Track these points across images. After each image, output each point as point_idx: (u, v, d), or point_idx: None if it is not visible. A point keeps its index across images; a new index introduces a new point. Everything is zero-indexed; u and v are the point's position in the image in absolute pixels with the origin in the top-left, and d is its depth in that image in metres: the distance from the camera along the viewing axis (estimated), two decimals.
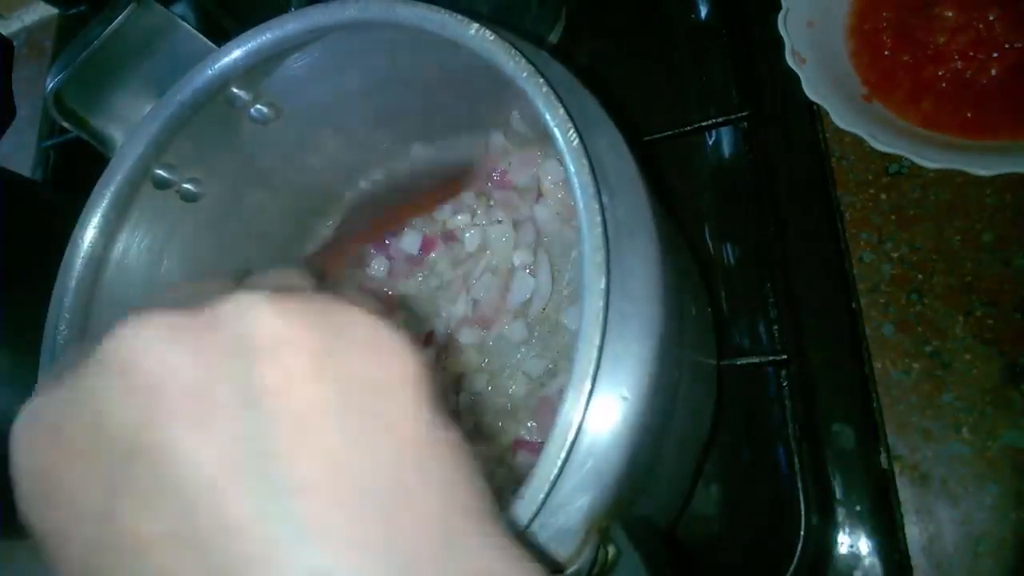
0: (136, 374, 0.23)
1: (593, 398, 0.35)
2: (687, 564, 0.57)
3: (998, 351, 0.53)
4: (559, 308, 0.58)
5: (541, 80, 0.40)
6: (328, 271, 0.60)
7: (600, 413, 0.36)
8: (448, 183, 0.62)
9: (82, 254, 0.51)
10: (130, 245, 0.54)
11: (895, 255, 0.57)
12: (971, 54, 0.56)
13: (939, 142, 0.54)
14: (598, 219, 0.37)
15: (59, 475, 0.23)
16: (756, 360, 0.59)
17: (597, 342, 0.35)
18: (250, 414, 0.22)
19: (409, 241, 0.63)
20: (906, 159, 0.52)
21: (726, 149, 0.66)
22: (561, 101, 0.39)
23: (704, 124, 0.66)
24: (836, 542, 0.53)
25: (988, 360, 0.53)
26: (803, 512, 0.54)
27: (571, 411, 0.35)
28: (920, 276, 0.56)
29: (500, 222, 0.60)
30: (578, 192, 0.38)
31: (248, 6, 0.87)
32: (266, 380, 0.23)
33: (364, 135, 0.63)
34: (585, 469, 0.36)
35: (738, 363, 0.59)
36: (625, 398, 0.36)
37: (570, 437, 0.35)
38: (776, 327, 0.58)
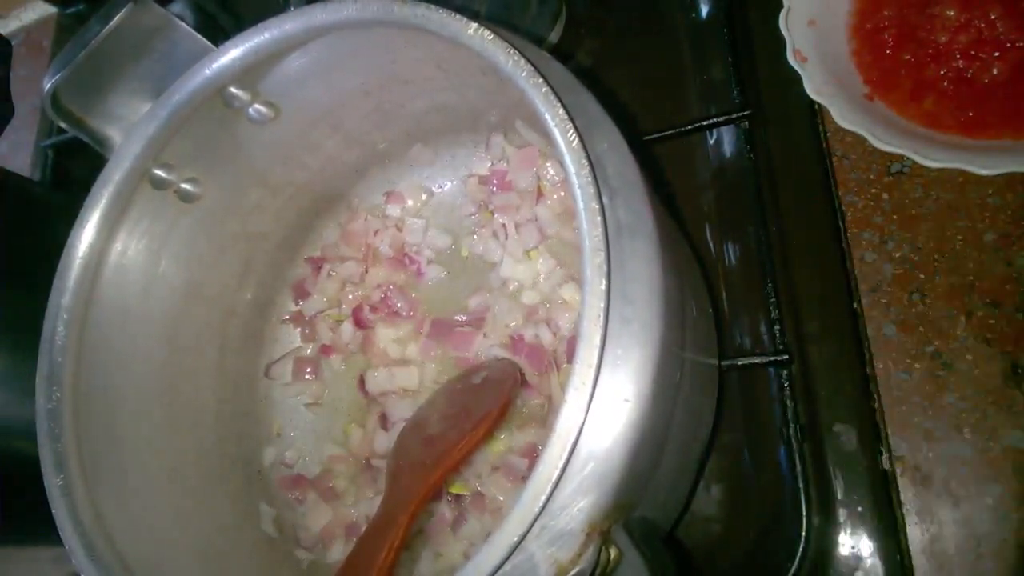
0: None
1: (594, 401, 0.35)
2: (689, 565, 0.57)
3: (1000, 351, 0.53)
4: None
5: (540, 80, 0.40)
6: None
7: (601, 416, 0.36)
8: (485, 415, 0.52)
9: (80, 254, 0.51)
10: (128, 245, 0.54)
11: (897, 255, 0.57)
12: (973, 53, 0.56)
13: (941, 141, 0.54)
14: (598, 220, 0.37)
15: None
16: (757, 360, 0.58)
17: (598, 344, 0.35)
18: None
19: None
20: (908, 158, 0.52)
21: (727, 148, 0.65)
22: (561, 101, 0.39)
23: (705, 123, 0.65)
24: (837, 543, 0.53)
25: (990, 360, 0.53)
26: (804, 513, 0.54)
27: (572, 414, 0.35)
28: (922, 276, 0.56)
29: None
30: (578, 193, 0.37)
31: (246, 5, 0.87)
32: None
33: (364, 135, 0.63)
34: (586, 472, 0.35)
35: (739, 363, 0.59)
36: (626, 400, 0.36)
37: (571, 440, 0.35)
38: (777, 327, 0.58)
